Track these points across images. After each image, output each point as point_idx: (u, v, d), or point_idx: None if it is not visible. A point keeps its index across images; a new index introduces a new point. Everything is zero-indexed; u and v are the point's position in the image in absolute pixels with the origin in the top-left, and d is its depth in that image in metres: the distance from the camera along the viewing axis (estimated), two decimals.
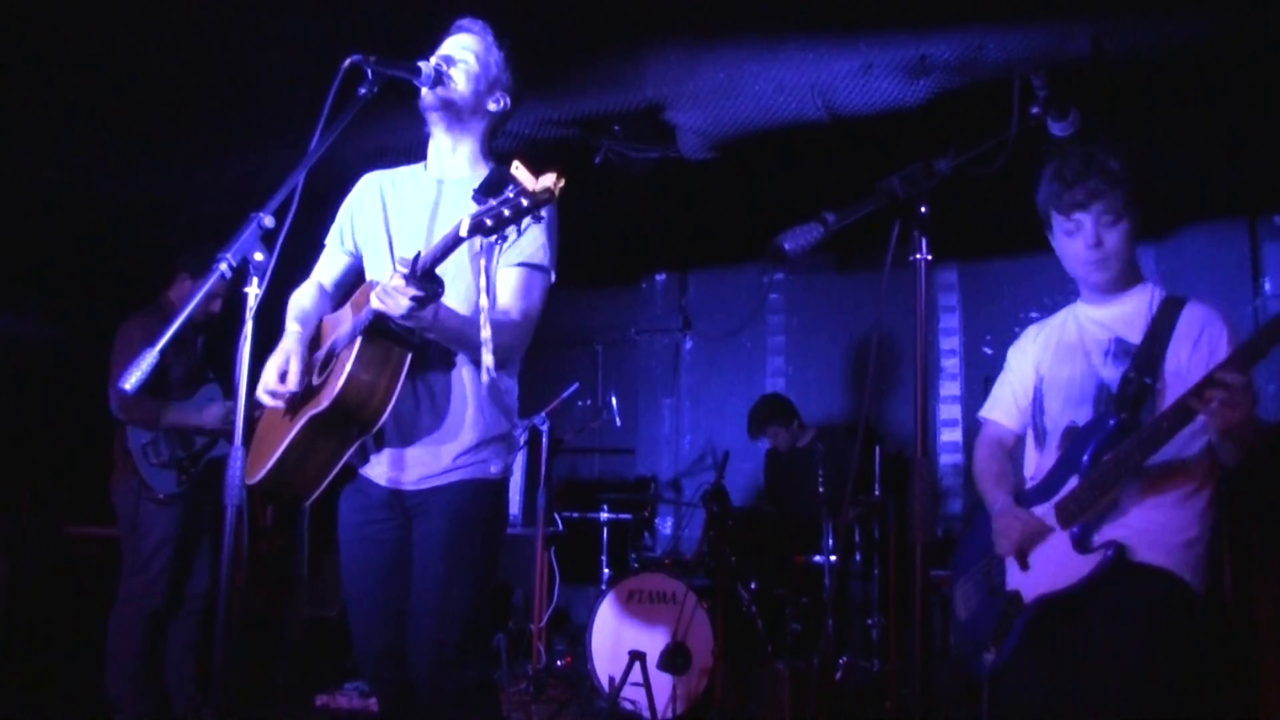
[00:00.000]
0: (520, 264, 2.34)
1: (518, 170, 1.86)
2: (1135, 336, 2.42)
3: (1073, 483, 2.36)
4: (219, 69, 3.93)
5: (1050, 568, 2.36)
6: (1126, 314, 2.47)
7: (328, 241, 2.57)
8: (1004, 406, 2.71)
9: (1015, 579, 2.44)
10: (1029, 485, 2.54)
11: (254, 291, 1.98)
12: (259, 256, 1.97)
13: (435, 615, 2.27)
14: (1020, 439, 2.68)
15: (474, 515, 2.33)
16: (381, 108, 2.27)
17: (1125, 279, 2.49)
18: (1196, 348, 2.35)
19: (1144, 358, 2.37)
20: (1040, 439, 2.56)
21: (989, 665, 2.42)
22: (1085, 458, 2.35)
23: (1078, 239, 2.44)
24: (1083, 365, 2.48)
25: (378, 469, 2.36)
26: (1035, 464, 2.56)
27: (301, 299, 2.50)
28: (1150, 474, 2.30)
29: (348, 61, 2.12)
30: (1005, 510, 2.48)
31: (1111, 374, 2.42)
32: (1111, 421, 2.34)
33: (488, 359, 1.99)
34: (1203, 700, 2.30)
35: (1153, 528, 2.30)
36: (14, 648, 4.92)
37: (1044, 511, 2.41)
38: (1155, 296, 2.47)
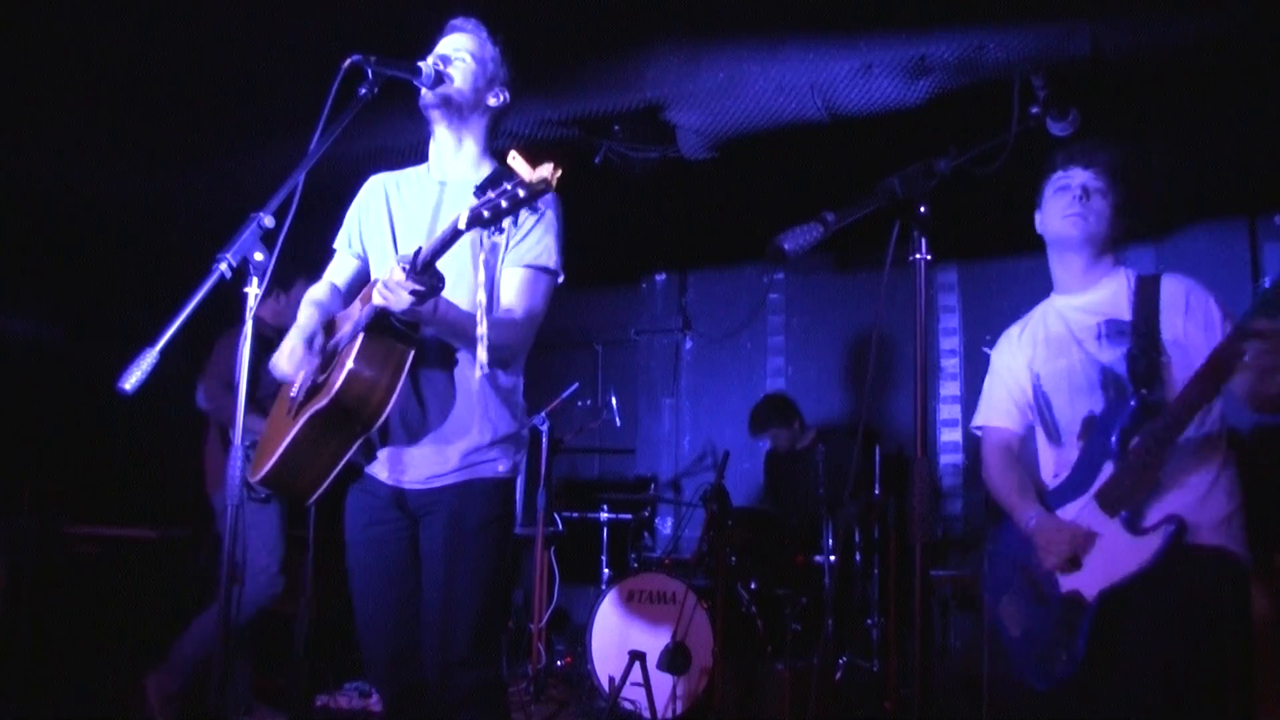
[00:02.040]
0: (526, 265, 2.34)
1: (514, 161, 1.87)
2: (1125, 314, 2.42)
3: (1108, 469, 2.34)
4: (219, 69, 3.93)
5: (1107, 559, 2.31)
6: (1109, 295, 2.48)
7: (336, 246, 2.57)
8: (1001, 409, 2.68)
9: (1069, 581, 2.38)
10: (1054, 484, 2.51)
11: (254, 291, 1.98)
12: (259, 256, 1.97)
13: (446, 616, 2.27)
14: (1023, 439, 2.65)
15: (482, 515, 2.33)
16: (382, 108, 2.27)
17: (1101, 257, 2.51)
18: (1189, 314, 2.35)
19: (1141, 330, 2.37)
20: (1054, 436, 2.53)
21: (1060, 672, 2.35)
22: (1113, 441, 2.33)
23: (1066, 195, 2.47)
24: (1078, 354, 2.47)
25: (384, 469, 2.36)
26: (1054, 461, 2.53)
27: (316, 293, 2.52)
28: (1183, 452, 2.30)
29: (348, 61, 2.13)
30: (1044, 524, 2.42)
31: (1111, 356, 2.41)
32: (1133, 402, 2.32)
33: (483, 355, 2.00)
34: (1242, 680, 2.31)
35: (1196, 504, 2.30)
36: (14, 648, 4.92)
37: (1082, 505, 2.38)
38: (1130, 277, 2.48)
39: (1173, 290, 2.40)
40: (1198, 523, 2.29)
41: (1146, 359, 2.34)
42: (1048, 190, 2.55)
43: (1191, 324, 2.34)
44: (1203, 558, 2.27)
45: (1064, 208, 2.48)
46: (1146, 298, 2.40)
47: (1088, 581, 2.36)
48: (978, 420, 2.75)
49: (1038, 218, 2.59)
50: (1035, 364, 2.58)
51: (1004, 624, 2.56)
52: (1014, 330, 2.70)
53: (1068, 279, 2.56)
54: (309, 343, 2.34)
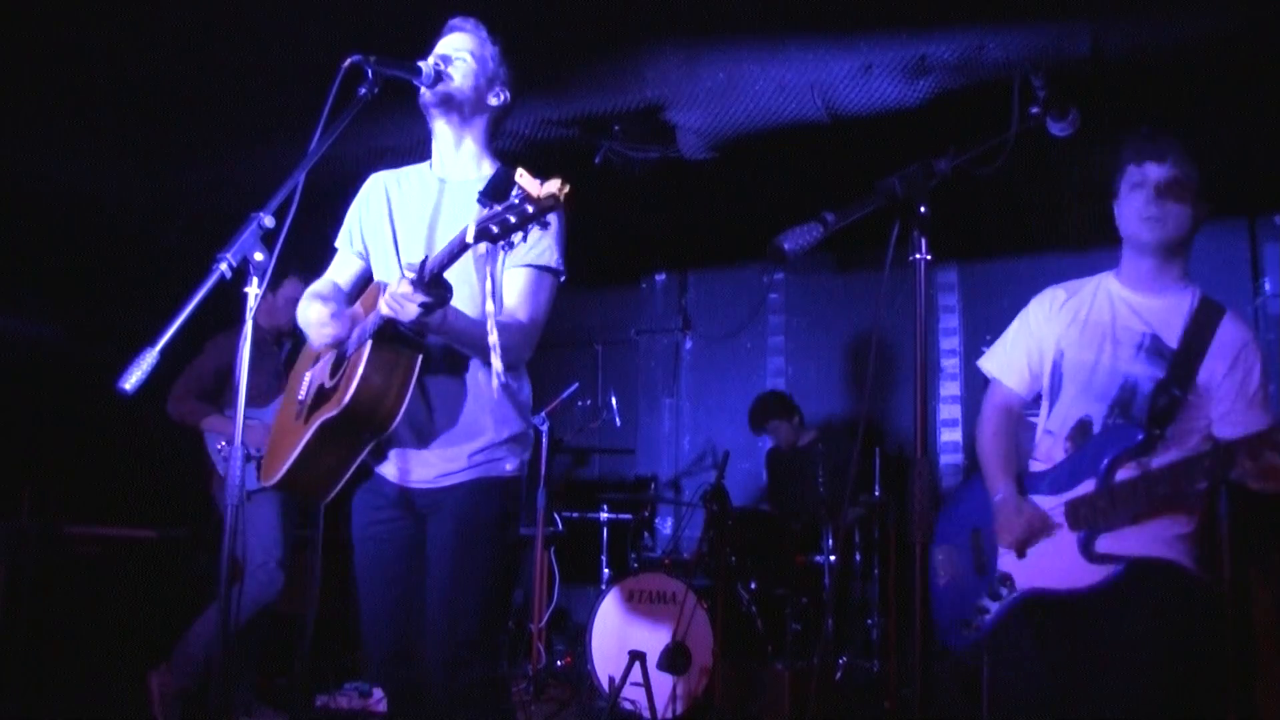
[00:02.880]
0: (528, 265, 2.33)
1: (522, 178, 1.85)
2: (1172, 339, 2.38)
3: (1087, 486, 2.34)
4: (219, 69, 3.93)
5: (1052, 564, 2.35)
6: (1166, 309, 2.43)
7: (338, 244, 2.57)
8: (1016, 369, 2.63)
9: (1009, 563, 2.45)
10: (1035, 469, 2.52)
11: (254, 291, 1.98)
12: (259, 256, 1.97)
13: (450, 613, 2.28)
14: (1026, 403, 2.64)
15: (487, 514, 2.33)
16: (382, 108, 2.27)
17: (1172, 261, 2.44)
18: (1233, 369, 2.33)
19: (1180, 366, 2.34)
20: (1050, 418, 2.52)
21: (964, 640, 2.48)
22: (1104, 463, 2.33)
23: (1141, 194, 2.41)
24: (1109, 355, 2.43)
25: (393, 468, 2.36)
26: (1042, 444, 2.53)
27: (319, 288, 2.51)
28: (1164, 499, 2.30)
29: (348, 61, 2.13)
30: (1008, 503, 2.46)
31: (1140, 370, 2.38)
32: (1140, 436, 2.32)
33: (497, 364, 2.01)
34: (1217, 691, 2.31)
35: (1152, 525, 2.31)
36: (14, 648, 4.92)
37: (1052, 505, 2.40)
38: (1193, 298, 2.43)
39: (1227, 339, 2.36)
40: (1153, 538, 2.30)
41: (1171, 396, 2.32)
42: (1123, 186, 2.48)
43: (1230, 381, 2.33)
44: (1155, 572, 2.27)
45: (1140, 208, 2.42)
46: (1200, 332, 2.36)
47: (1024, 573, 2.41)
48: (992, 368, 2.69)
49: (1115, 209, 2.52)
50: (1064, 341, 2.53)
51: (935, 571, 2.64)
52: (1060, 293, 2.61)
53: (1134, 275, 2.50)
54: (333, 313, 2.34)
